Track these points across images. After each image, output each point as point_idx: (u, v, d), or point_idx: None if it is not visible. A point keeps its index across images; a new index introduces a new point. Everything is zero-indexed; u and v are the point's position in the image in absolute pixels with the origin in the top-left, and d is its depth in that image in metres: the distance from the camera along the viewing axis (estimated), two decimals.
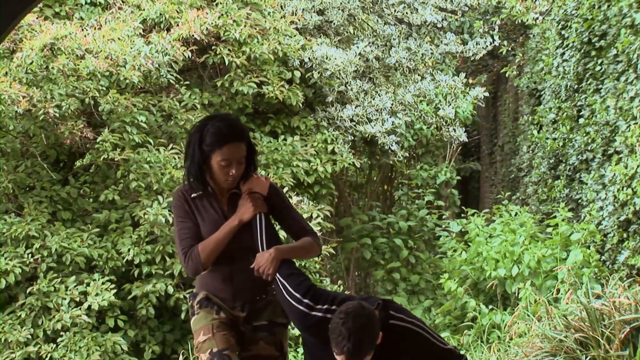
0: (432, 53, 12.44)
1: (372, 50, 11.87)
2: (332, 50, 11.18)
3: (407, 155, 13.63)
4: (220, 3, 10.49)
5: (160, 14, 10.13)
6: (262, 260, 4.16)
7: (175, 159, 9.58)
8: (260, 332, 4.35)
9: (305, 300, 4.03)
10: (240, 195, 4.30)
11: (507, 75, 14.42)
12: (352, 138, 11.72)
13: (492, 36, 12.60)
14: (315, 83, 11.40)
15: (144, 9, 10.20)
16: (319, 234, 10.02)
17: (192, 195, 4.30)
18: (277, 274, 4.13)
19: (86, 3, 10.46)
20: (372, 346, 3.84)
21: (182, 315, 9.18)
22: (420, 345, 4.03)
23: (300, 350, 9.38)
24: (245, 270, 4.23)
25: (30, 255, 8.86)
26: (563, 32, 11.24)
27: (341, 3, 11.75)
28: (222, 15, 10.32)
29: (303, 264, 9.84)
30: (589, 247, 8.96)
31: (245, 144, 4.25)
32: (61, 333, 8.68)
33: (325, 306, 4.00)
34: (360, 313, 3.81)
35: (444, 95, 12.71)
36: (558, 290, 8.43)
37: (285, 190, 9.89)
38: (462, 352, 4.16)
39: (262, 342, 4.35)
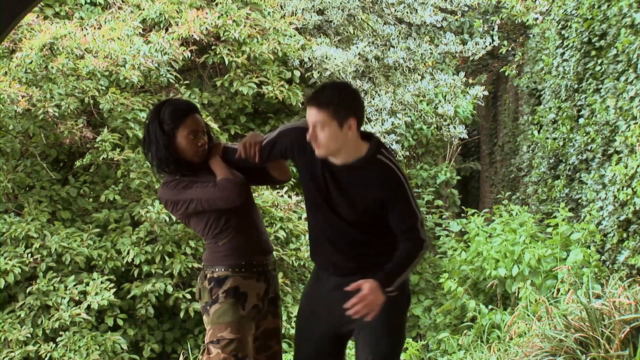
0: (431, 53, 12.44)
1: (371, 50, 11.87)
2: (331, 50, 11.18)
3: (407, 155, 13.63)
4: (220, 3, 10.49)
5: (160, 14, 10.13)
6: (241, 147, 4.23)
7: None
8: (271, 305, 4.40)
9: None
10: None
11: (506, 74, 14.41)
12: None
13: (491, 36, 12.60)
14: (315, 83, 11.40)
15: (143, 9, 10.21)
16: None
17: (177, 177, 4.28)
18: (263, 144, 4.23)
19: (86, 3, 10.47)
20: (336, 103, 3.87)
21: (182, 315, 9.19)
22: (395, 188, 3.99)
23: None
24: (259, 219, 4.38)
25: (29, 254, 8.86)
26: (563, 32, 11.23)
27: (341, 3, 11.75)
28: (222, 15, 10.32)
29: (302, 264, 9.85)
30: (589, 247, 8.96)
31: (200, 115, 4.33)
32: (60, 332, 8.68)
33: None
34: (347, 84, 4.00)
35: (443, 95, 12.71)
36: (558, 290, 8.42)
37: (285, 189, 9.90)
38: (424, 229, 4.06)
39: (270, 315, 4.40)
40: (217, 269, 4.29)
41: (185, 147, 4.22)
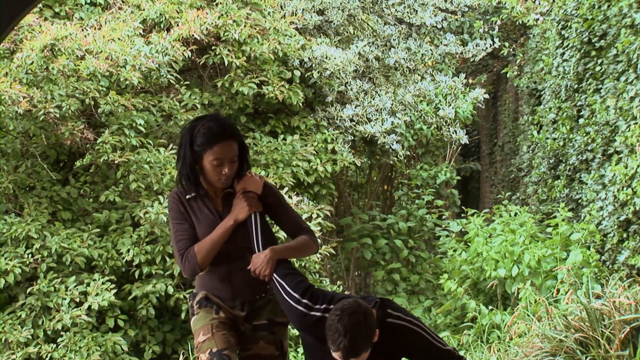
0: (431, 53, 12.44)
1: (371, 50, 11.87)
2: (331, 50, 11.18)
3: (407, 155, 13.63)
4: (220, 3, 10.49)
5: (160, 14, 10.13)
6: (257, 261, 4.17)
7: (175, 159, 9.57)
8: (260, 331, 4.36)
9: (304, 300, 4.02)
10: (235, 195, 4.30)
11: (507, 75, 14.43)
12: (352, 138, 11.72)
13: (492, 37, 12.61)
14: (315, 83, 11.40)
15: (144, 9, 10.20)
16: (318, 234, 10.08)
17: (187, 197, 4.33)
18: (275, 275, 4.14)
19: (86, 3, 10.46)
20: (368, 343, 3.83)
21: (182, 315, 9.19)
22: (418, 343, 4.03)
23: (300, 350, 9.38)
24: (243, 270, 4.23)
25: (30, 255, 8.86)
26: (563, 32, 11.24)
27: (341, 3, 11.75)
28: (222, 15, 10.32)
29: (303, 264, 9.85)
30: (589, 247, 8.97)
31: (237, 142, 4.25)
32: (61, 333, 8.68)
33: (323, 305, 3.99)
34: (357, 310, 3.81)
35: (444, 96, 12.71)
36: (558, 290, 8.43)
37: (285, 190, 9.89)
38: (461, 354, 4.17)
39: (262, 341, 4.36)
40: (195, 289, 4.43)
41: (209, 171, 4.24)
